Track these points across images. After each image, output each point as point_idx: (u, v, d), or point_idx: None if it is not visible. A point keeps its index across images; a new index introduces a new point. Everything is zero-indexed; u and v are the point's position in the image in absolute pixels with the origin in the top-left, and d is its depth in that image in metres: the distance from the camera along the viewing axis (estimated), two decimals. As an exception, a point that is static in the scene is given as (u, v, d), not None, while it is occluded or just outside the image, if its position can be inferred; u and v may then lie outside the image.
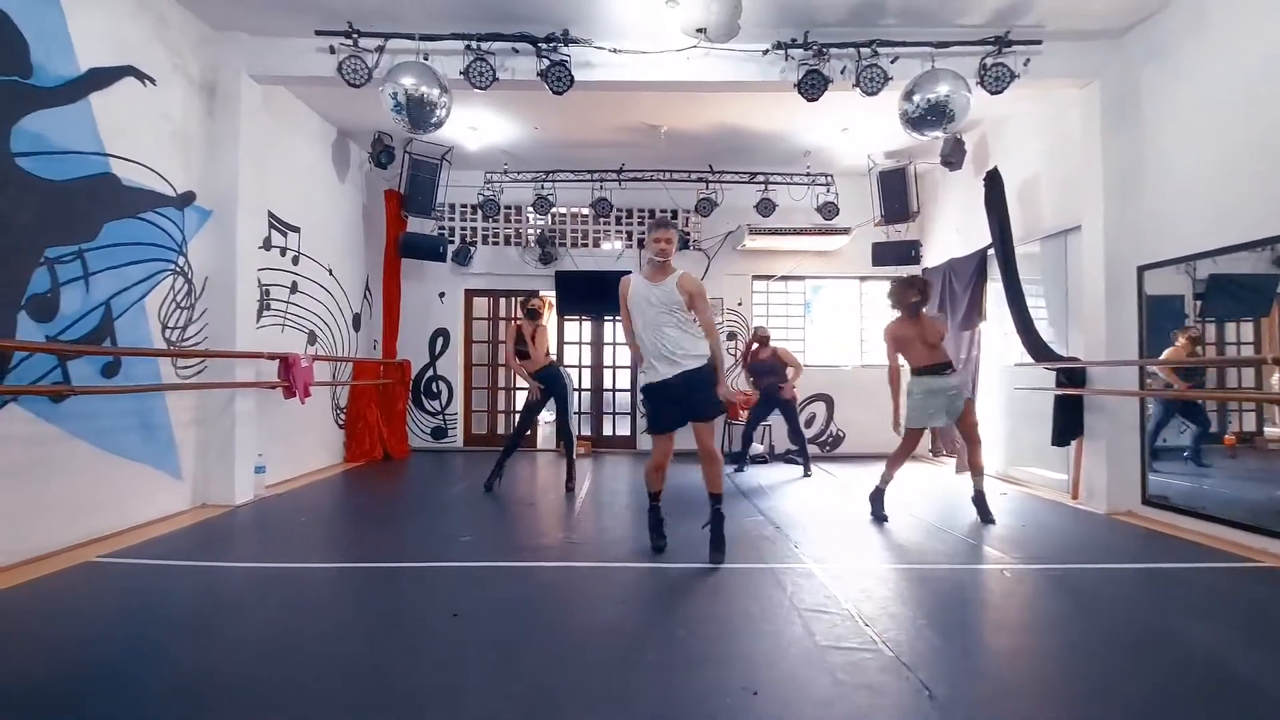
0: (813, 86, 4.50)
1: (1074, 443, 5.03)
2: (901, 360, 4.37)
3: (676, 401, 3.40)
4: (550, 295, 7.74)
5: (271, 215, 5.46)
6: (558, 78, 4.48)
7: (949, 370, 4.34)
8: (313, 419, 6.18)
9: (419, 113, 4.42)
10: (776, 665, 2.22)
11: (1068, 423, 4.91)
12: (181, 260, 4.41)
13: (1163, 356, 4.34)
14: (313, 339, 6.15)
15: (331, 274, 6.52)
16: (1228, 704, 1.99)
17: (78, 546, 3.51)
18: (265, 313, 5.37)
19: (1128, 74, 4.62)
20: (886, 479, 4.43)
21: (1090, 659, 2.30)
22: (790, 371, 6.29)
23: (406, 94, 4.32)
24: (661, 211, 7.79)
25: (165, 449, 4.27)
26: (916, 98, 4.44)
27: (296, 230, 5.87)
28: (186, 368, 4.48)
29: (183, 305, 4.43)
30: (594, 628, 2.57)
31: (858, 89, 4.54)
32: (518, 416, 5.41)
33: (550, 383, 5.29)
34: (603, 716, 1.88)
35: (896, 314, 4.47)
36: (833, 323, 8.24)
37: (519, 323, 5.35)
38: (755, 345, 6.54)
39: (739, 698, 1.98)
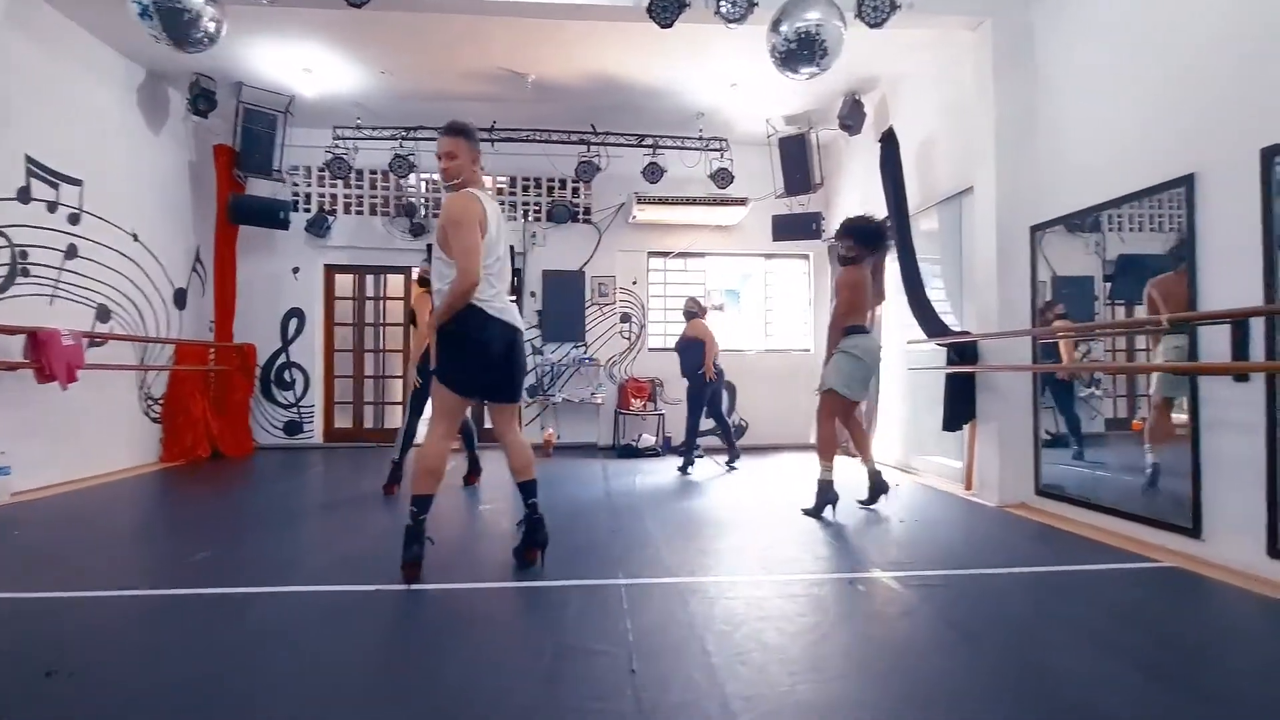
0: (665, 9, 3.83)
1: (966, 427, 4.52)
2: None
3: (502, 369, 2.65)
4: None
5: (31, 161, 4.45)
6: (354, -15, 3.68)
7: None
8: (108, 411, 5.17)
9: (177, 23, 3.54)
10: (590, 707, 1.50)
11: (958, 405, 4.39)
12: None
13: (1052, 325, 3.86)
14: (105, 315, 5.14)
15: (137, 240, 5.51)
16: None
17: None
18: (20, 279, 4.37)
19: (1019, 12, 4.12)
20: (828, 465, 3.79)
21: (972, 699, 1.66)
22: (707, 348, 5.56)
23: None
24: (550, 181, 7.05)
25: None
26: (784, 28, 3.83)
27: (76, 184, 4.85)
28: None
29: None
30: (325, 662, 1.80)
31: (719, 16, 3.88)
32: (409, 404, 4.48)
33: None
34: None
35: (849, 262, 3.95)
36: (735, 306, 7.66)
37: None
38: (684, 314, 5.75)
39: None
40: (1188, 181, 3.01)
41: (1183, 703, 1.69)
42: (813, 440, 6.94)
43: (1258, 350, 2.67)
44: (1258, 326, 2.67)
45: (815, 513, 3.72)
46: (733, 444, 5.74)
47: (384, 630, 2.20)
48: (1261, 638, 2.23)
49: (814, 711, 1.63)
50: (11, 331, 4.04)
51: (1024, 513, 3.91)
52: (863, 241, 3.89)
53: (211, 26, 3.64)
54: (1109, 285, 3.79)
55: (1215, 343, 2.85)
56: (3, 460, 4.06)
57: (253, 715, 1.60)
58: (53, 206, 4.66)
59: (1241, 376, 2.75)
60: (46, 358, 4.16)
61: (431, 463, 2.60)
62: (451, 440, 2.74)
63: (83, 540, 3.39)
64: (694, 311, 5.70)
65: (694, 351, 5.52)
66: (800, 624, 2.23)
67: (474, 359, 2.56)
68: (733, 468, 5.59)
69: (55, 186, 4.68)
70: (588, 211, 7.18)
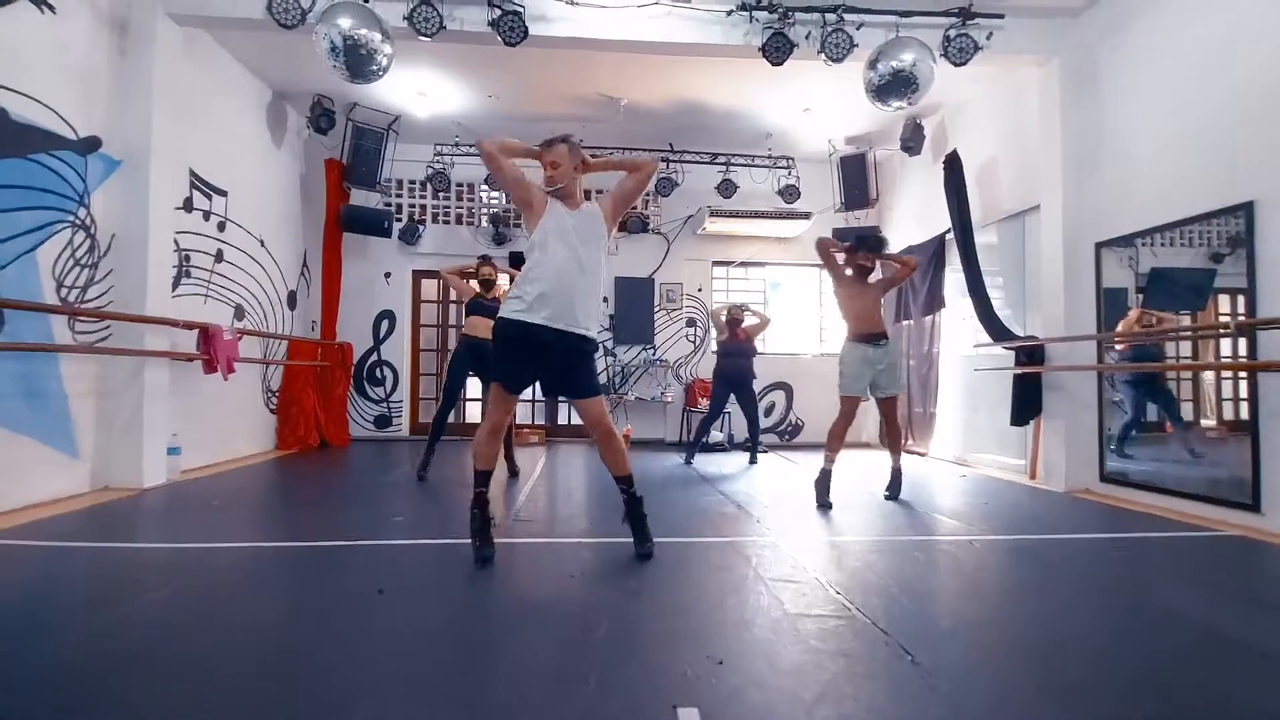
0: (778, 50, 4.35)
1: (1032, 424, 5.01)
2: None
3: (553, 367, 2.70)
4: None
5: (194, 175, 5.00)
6: (510, 28, 4.21)
7: (879, 341, 4.07)
8: (239, 402, 5.70)
9: (357, 59, 4.08)
10: (743, 634, 1.99)
11: (1026, 403, 4.88)
12: (83, 212, 3.94)
13: (1117, 329, 4.34)
14: (240, 314, 5.67)
15: (264, 245, 6.05)
16: (1207, 659, 1.86)
17: (-59, 527, 3.03)
18: (185, 280, 4.90)
19: (1086, 52, 4.63)
20: (830, 458, 4.03)
21: (1066, 623, 2.15)
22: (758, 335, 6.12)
23: (344, 37, 3.97)
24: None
25: (58, 422, 3.78)
26: (881, 66, 4.34)
27: (224, 195, 5.40)
28: (87, 332, 4.00)
29: (83, 263, 3.96)
30: (540, 602, 2.30)
31: (823, 55, 4.41)
32: (445, 395, 4.96)
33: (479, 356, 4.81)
34: (553, 692, 1.62)
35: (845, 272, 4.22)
36: (792, 312, 8.14)
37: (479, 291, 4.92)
38: (727, 324, 6.09)
39: (702, 667, 1.75)
40: (1247, 209, 3.51)
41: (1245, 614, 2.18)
42: (864, 439, 7.47)
43: (1313, 351, 3.16)
44: (1313, 331, 3.16)
45: (818, 501, 3.93)
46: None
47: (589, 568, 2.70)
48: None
49: (992, 626, 2.13)
50: (188, 326, 4.55)
51: (1090, 496, 4.39)
52: (850, 263, 4.18)
53: (385, 61, 4.17)
54: (1141, 297, 4.29)
55: (1270, 347, 3.34)
56: (175, 441, 4.57)
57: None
58: (207, 215, 5.21)
59: (1298, 374, 3.24)
60: (214, 351, 4.68)
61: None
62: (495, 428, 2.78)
63: (285, 506, 3.91)
64: (739, 318, 6.17)
65: (748, 353, 6.03)
66: (945, 565, 2.72)
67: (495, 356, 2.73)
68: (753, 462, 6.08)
69: (209, 197, 5.22)
70: (657, 223, 7.69)
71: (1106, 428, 4.46)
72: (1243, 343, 3.53)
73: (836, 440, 4.06)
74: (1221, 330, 3.62)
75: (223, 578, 2.53)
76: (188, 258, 4.94)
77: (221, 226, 5.39)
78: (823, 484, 3.99)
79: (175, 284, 4.73)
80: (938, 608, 2.31)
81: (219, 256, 5.36)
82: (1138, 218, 4.21)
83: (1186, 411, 4.08)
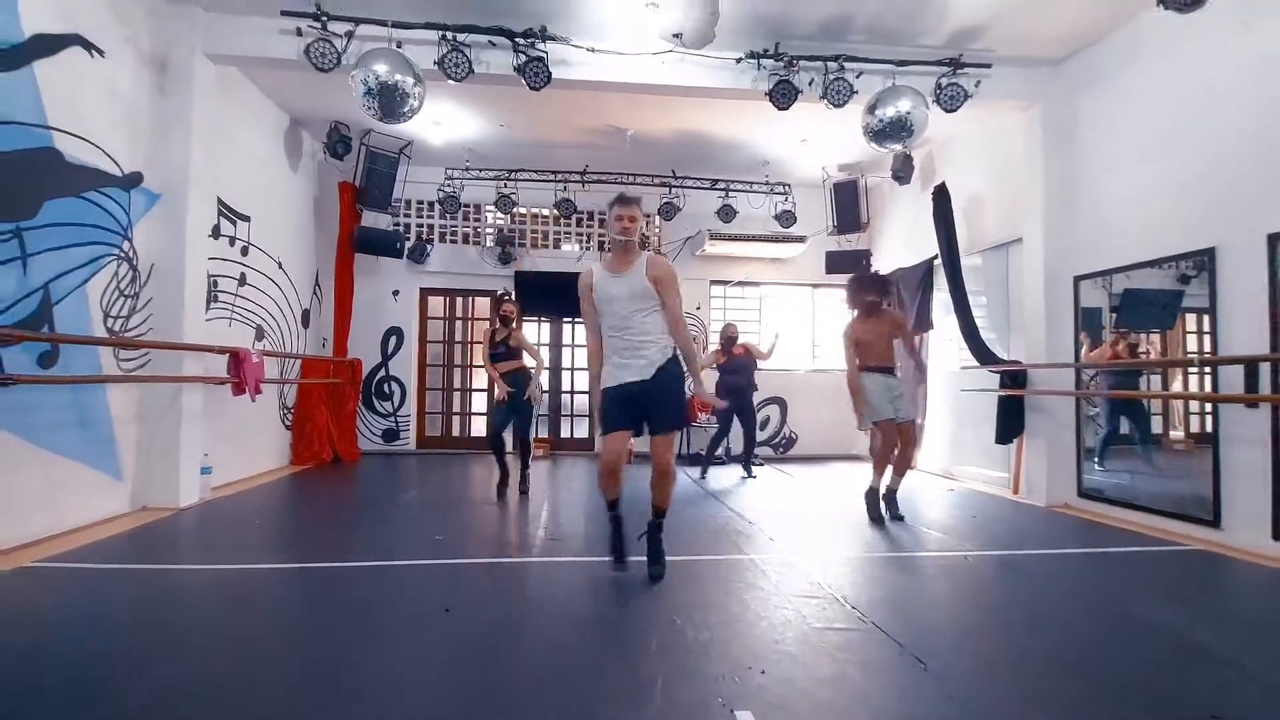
0: (784, 95, 4.66)
1: (1015, 441, 5.38)
2: None
3: (641, 405, 2.97)
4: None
5: (221, 202, 5.18)
6: (535, 73, 4.47)
7: (892, 373, 4.48)
8: (259, 419, 5.87)
9: (391, 101, 4.32)
10: (776, 647, 2.28)
11: (1010, 422, 5.24)
12: (126, 245, 4.13)
13: (1090, 354, 4.72)
14: (261, 334, 5.85)
15: (281, 267, 6.23)
16: (1184, 668, 2.19)
17: (8, 551, 3.21)
18: (213, 304, 5.08)
19: (1067, 99, 5.01)
20: (877, 478, 4.40)
21: (1055, 634, 2.47)
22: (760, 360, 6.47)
23: (379, 81, 4.21)
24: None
25: (104, 447, 3.97)
26: (879, 112, 4.68)
27: (247, 219, 5.58)
28: (129, 360, 4.18)
29: (126, 293, 4.14)
30: (589, 619, 2.57)
31: (825, 100, 4.74)
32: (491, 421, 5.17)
33: (518, 387, 5.10)
34: (624, 699, 1.89)
35: (854, 313, 4.62)
36: (786, 328, 8.47)
37: (494, 327, 5.15)
38: (723, 344, 6.43)
39: (746, 676, 2.03)
40: (1209, 254, 3.89)
41: (1232, 628, 2.52)
42: (854, 451, 7.82)
43: (1265, 385, 3.54)
44: (1265, 369, 3.53)
45: (870, 516, 4.33)
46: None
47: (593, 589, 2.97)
48: (1265, 593, 3.08)
49: (991, 636, 2.44)
50: (222, 351, 4.74)
51: (1069, 511, 4.76)
52: (855, 302, 4.56)
53: (416, 103, 4.41)
54: (1114, 315, 4.67)
55: (1229, 381, 3.72)
56: (207, 461, 4.76)
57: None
58: (232, 240, 5.39)
59: (1252, 405, 3.61)
60: (245, 373, 4.87)
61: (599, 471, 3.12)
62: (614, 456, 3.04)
63: (318, 525, 4.12)
64: (734, 334, 6.49)
65: (750, 369, 6.36)
66: (942, 578, 3.04)
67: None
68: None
69: (234, 223, 5.41)
70: (657, 244, 7.98)
71: (1087, 444, 4.83)
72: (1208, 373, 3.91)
73: (881, 464, 4.40)
74: (1188, 364, 4.00)
75: (275, 599, 2.76)
76: (215, 283, 5.12)
77: (245, 251, 5.58)
78: (872, 499, 4.38)
79: (206, 308, 4.91)
80: (941, 619, 2.61)
81: (242, 280, 5.55)
82: (1112, 256, 4.59)
83: (1157, 424, 4.45)
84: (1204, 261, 3.95)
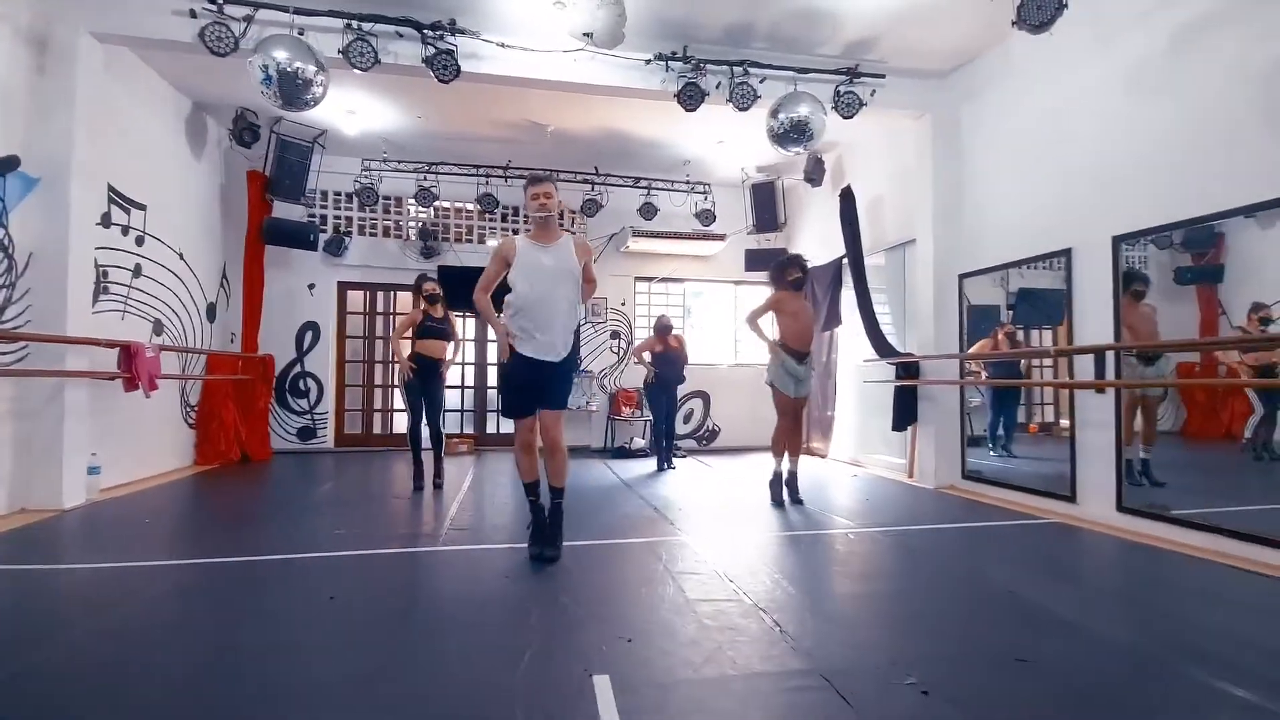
0: (691, 98, 4.83)
1: (910, 428, 5.74)
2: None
3: (538, 384, 3.10)
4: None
5: (112, 189, 4.94)
6: (444, 66, 4.48)
7: (806, 360, 4.74)
8: (158, 417, 5.62)
9: (292, 89, 4.23)
10: (650, 617, 2.41)
11: (904, 411, 5.60)
12: (0, 232, 3.90)
13: (973, 349, 5.11)
14: (159, 329, 5.60)
15: (183, 259, 5.98)
16: (1020, 623, 2.45)
17: None
18: (102, 297, 4.85)
19: (952, 110, 5.39)
20: (777, 462, 4.63)
21: (916, 597, 2.71)
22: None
23: (279, 68, 4.12)
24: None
25: (-26, 445, 3.74)
26: (781, 116, 4.91)
27: (142, 208, 5.34)
28: (5, 354, 3.95)
29: (0, 284, 3.92)
30: (477, 600, 2.63)
31: (730, 104, 4.93)
32: (409, 410, 5.11)
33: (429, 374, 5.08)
34: (482, 670, 1.97)
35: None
36: (709, 324, 8.72)
37: (425, 308, 5.05)
38: (657, 333, 6.44)
39: (614, 645, 2.15)
40: (1067, 254, 4.29)
41: (1061, 586, 2.82)
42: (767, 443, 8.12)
43: (1109, 372, 3.94)
44: (1110, 356, 3.93)
45: (773, 500, 4.60)
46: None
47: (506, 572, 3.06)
48: (1102, 557, 3.44)
49: (855, 601, 2.65)
50: (110, 345, 4.53)
51: (954, 492, 5.13)
52: (780, 281, 4.79)
53: (319, 91, 4.34)
54: (1010, 312, 5.08)
55: (1082, 369, 4.12)
56: (95, 460, 4.54)
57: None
58: (125, 230, 5.15)
59: (1099, 390, 4.01)
60: (137, 369, 4.67)
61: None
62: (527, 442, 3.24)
63: (220, 522, 4.01)
64: (668, 324, 6.57)
65: (679, 363, 6.50)
66: (823, 554, 3.25)
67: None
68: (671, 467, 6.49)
69: (127, 211, 5.17)
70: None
71: (976, 430, 5.22)
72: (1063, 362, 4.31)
73: (779, 446, 4.66)
74: (1044, 354, 4.40)
75: (160, 595, 2.71)
76: (106, 274, 4.88)
77: (140, 241, 5.33)
78: (775, 484, 4.63)
79: (93, 300, 4.68)
80: (810, 589, 2.81)
81: (137, 271, 5.30)
82: (990, 255, 4.99)
83: (1040, 413, 4.87)
84: (1064, 261, 4.35)
